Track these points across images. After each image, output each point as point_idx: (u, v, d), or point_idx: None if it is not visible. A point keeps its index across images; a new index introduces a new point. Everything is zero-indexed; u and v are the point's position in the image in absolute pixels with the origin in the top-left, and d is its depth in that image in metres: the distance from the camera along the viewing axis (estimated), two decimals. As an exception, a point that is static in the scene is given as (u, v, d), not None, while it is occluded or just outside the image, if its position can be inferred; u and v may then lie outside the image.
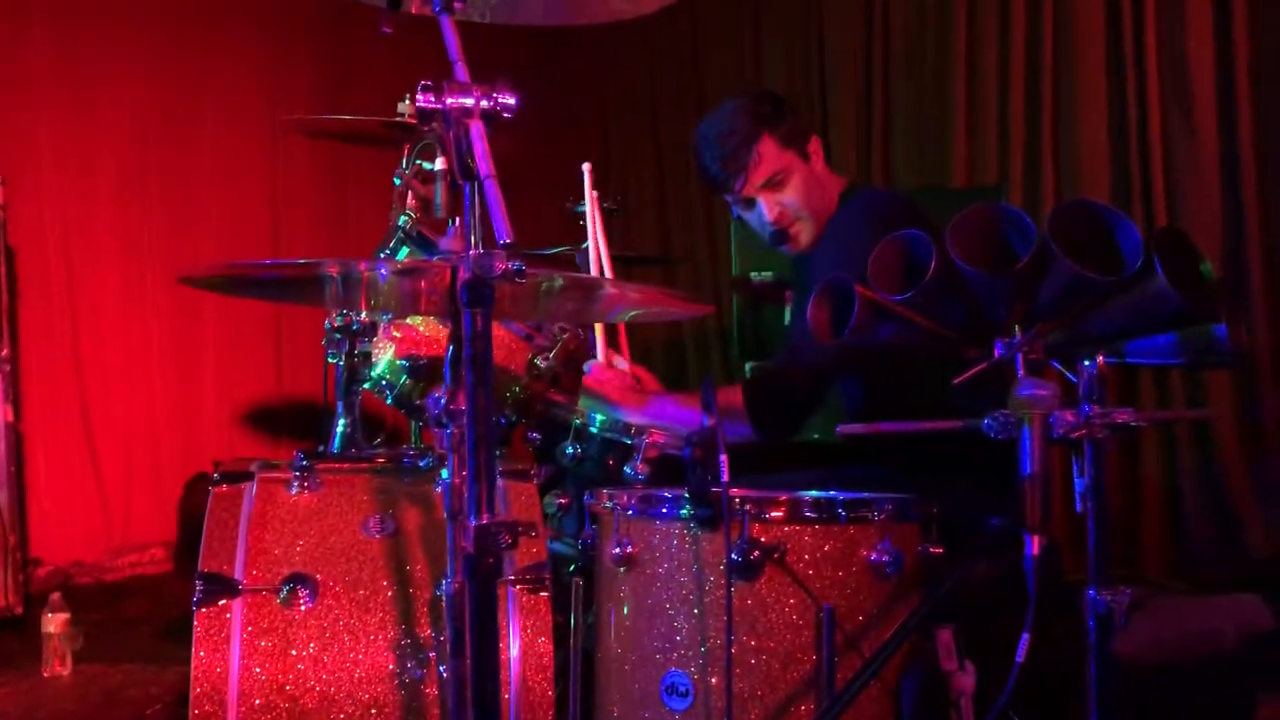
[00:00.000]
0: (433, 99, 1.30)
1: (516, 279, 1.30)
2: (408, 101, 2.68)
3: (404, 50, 4.70)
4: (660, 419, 2.22)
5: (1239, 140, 3.56)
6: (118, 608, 3.74)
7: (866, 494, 1.73)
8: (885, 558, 1.63)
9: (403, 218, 2.38)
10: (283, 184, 4.69)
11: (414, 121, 2.68)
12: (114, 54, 4.29)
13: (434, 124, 1.34)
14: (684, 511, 1.65)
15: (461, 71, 1.35)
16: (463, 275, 1.30)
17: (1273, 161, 3.53)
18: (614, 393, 2.30)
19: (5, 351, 3.38)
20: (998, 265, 1.45)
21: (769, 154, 2.27)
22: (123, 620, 3.58)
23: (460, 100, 1.31)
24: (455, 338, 1.58)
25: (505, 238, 1.24)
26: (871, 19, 4.43)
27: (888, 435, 1.67)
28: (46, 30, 4.14)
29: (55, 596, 3.09)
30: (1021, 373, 1.49)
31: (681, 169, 5.10)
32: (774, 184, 2.28)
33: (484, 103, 1.31)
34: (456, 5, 1.42)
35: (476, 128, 1.30)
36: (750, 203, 2.32)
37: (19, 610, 3.35)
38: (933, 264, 1.45)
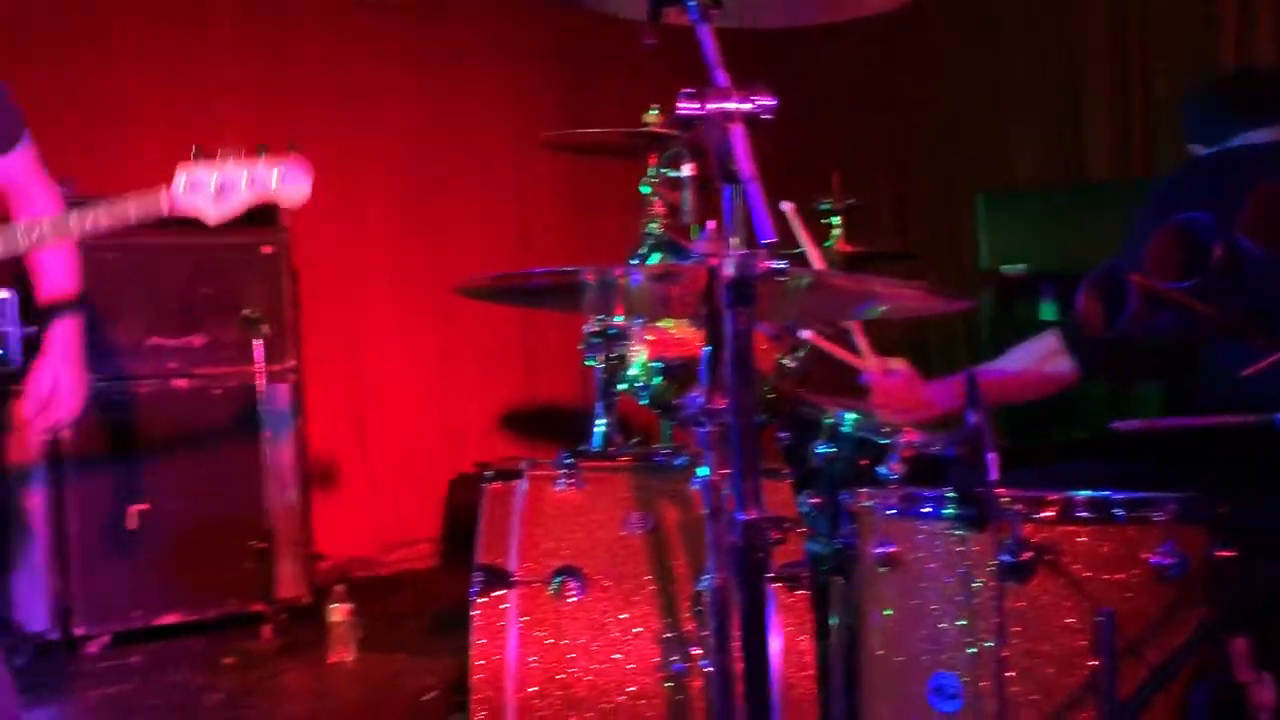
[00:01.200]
0: (695, 105, 1.34)
1: (779, 278, 1.32)
2: (654, 112, 2.74)
3: (640, 63, 4.85)
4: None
5: None
6: (390, 600, 4.00)
7: (1146, 493, 1.64)
8: (1168, 560, 1.54)
9: (652, 224, 2.44)
10: (530, 199, 4.91)
11: (660, 130, 2.77)
12: (382, 84, 4.61)
13: (686, 131, 1.38)
14: (948, 511, 1.62)
15: (721, 77, 1.37)
16: (726, 275, 1.33)
17: None
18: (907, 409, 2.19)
19: (292, 363, 3.70)
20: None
21: None
22: (395, 612, 3.83)
23: (721, 105, 1.34)
24: (713, 338, 1.62)
25: (768, 237, 1.26)
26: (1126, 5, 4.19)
27: (1170, 430, 1.59)
28: (321, 65, 4.49)
29: (339, 588, 3.35)
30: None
31: (919, 163, 4.98)
32: None
33: (744, 106, 1.33)
34: (713, 13, 1.45)
35: (737, 131, 1.33)
36: None
37: (307, 600, 3.64)
38: (1218, 250, 1.36)
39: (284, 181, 1.97)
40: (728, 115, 1.33)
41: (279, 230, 3.70)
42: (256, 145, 1.97)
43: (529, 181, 4.92)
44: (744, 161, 1.31)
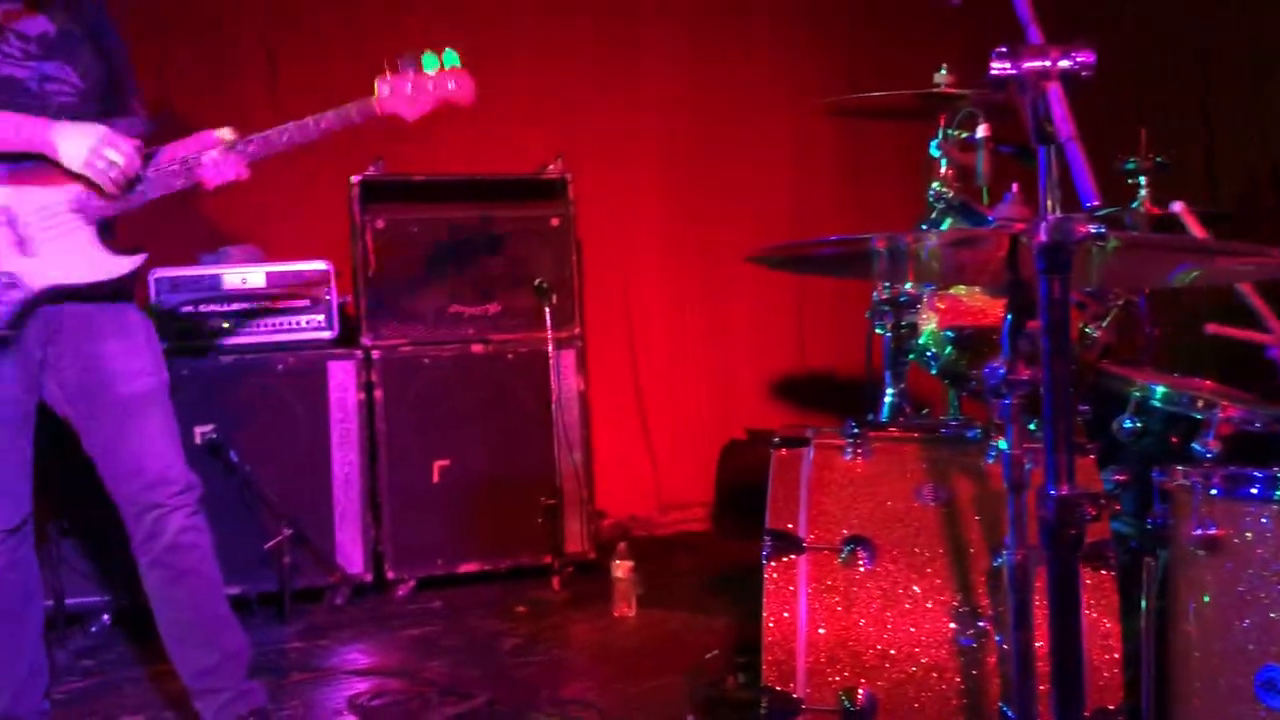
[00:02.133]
0: (1008, 64, 1.29)
1: (1098, 243, 1.26)
2: (944, 72, 2.65)
3: (916, 24, 4.69)
4: None
5: None
6: (667, 559, 4.11)
7: None
8: None
9: (938, 185, 2.37)
10: (805, 165, 4.88)
11: (950, 91, 2.68)
12: (655, 51, 4.70)
13: (999, 91, 1.33)
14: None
15: (1035, 34, 1.32)
16: (1040, 240, 1.28)
17: None
18: None
19: (578, 330, 3.86)
20: None
21: None
22: (672, 571, 3.94)
23: (1037, 63, 1.28)
24: (1015, 306, 1.56)
25: (1091, 200, 1.21)
26: None
27: None
28: (591, 30, 4.63)
29: (622, 546, 3.48)
30: None
31: (1228, 117, 4.57)
32: None
33: (1062, 64, 1.28)
34: (1026, -33, 1.39)
35: (1054, 90, 1.27)
36: None
37: (591, 555, 3.81)
38: None
39: (457, 86, 2.39)
40: (1044, 74, 1.28)
41: (566, 203, 3.86)
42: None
43: (804, 147, 4.88)
44: (1063, 122, 1.26)
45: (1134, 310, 2.24)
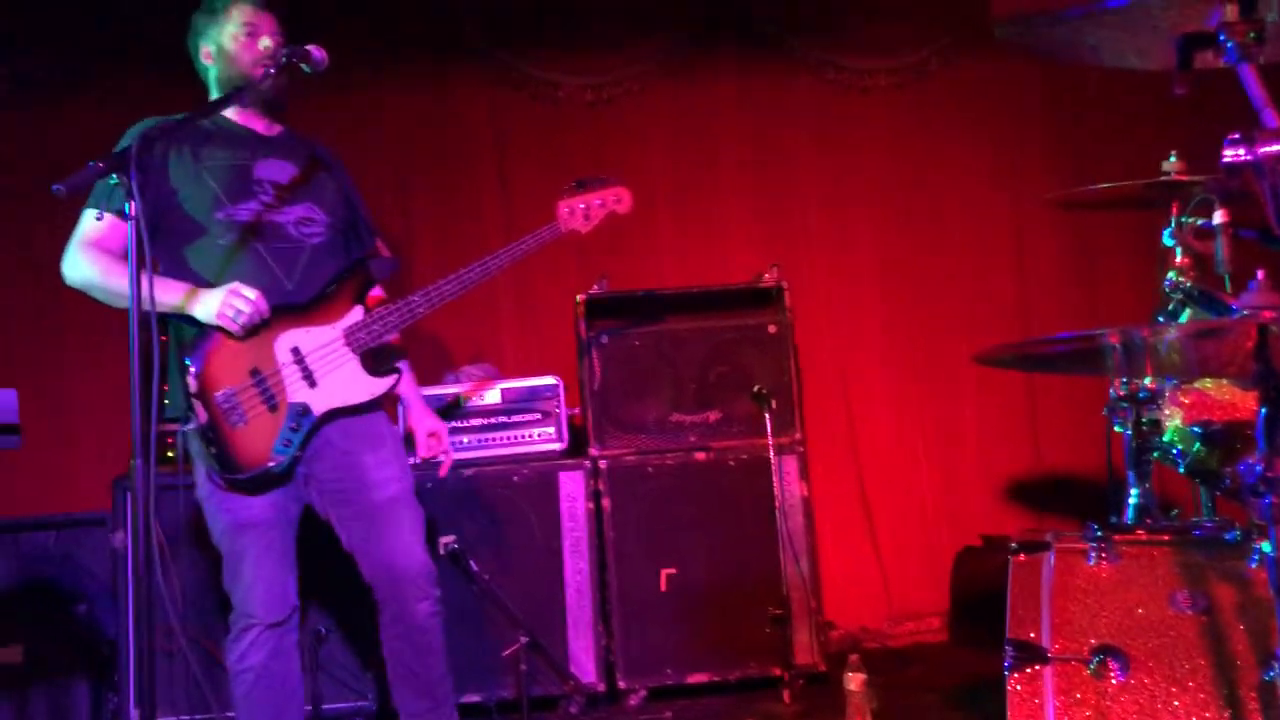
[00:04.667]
0: (1243, 150, 1.26)
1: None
2: (1174, 159, 2.57)
3: (1136, 112, 4.56)
4: None
5: None
6: (901, 672, 3.97)
7: None
8: None
9: (1174, 275, 2.28)
10: (1027, 262, 4.77)
11: (1182, 178, 2.58)
12: (870, 149, 4.75)
13: (1234, 177, 1.29)
14: None
15: (1271, 118, 1.28)
16: (1291, 331, 1.22)
17: None
18: None
19: (799, 435, 3.86)
20: None
21: None
22: (907, 685, 3.80)
23: (1273, 148, 1.24)
24: (1269, 398, 1.48)
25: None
26: None
27: None
28: (811, 152, 4.73)
29: (854, 658, 3.39)
30: None
31: None
32: None
33: (1303, 147, 1.23)
34: (1255, 51, 1.36)
35: (1295, 174, 1.23)
36: None
37: (821, 668, 3.73)
38: None
39: (619, 199, 2.95)
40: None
41: (782, 311, 3.91)
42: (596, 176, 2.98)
43: (1026, 243, 4.78)
44: (1303, 207, 1.21)
45: None
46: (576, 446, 3.82)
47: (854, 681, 3.33)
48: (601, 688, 3.63)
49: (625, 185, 2.96)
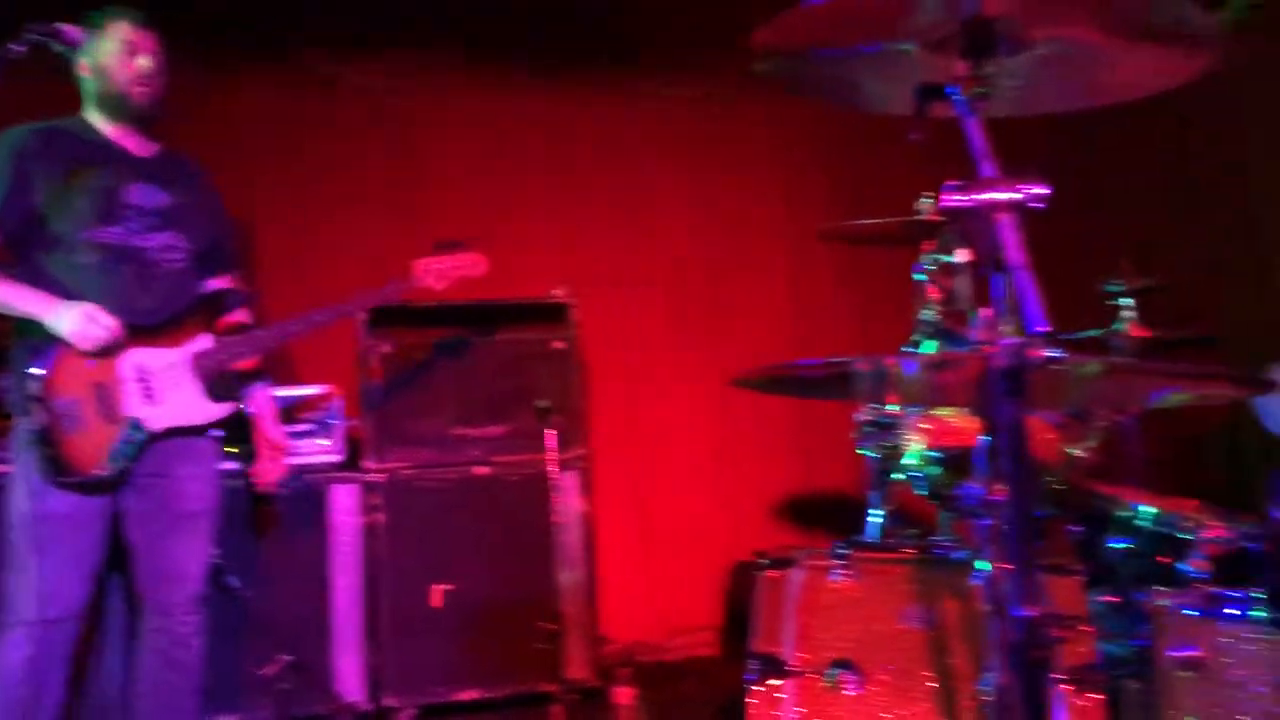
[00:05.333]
0: (959, 196, 1.35)
1: (1052, 366, 1.29)
2: (928, 200, 2.74)
3: (915, 151, 4.81)
4: None
5: None
6: (674, 685, 4.05)
7: None
8: None
9: (926, 311, 2.43)
10: (806, 289, 4.97)
11: (934, 218, 2.76)
12: (657, 183, 4.85)
13: (959, 220, 1.39)
14: (1259, 613, 1.50)
15: (988, 168, 1.38)
16: (998, 364, 1.32)
17: None
18: None
19: (581, 451, 3.89)
20: None
21: None
22: (679, 699, 3.88)
23: (988, 195, 1.34)
24: (990, 427, 1.59)
25: (1040, 327, 1.25)
26: None
27: None
28: (598, 169, 4.79)
29: (624, 672, 3.45)
30: None
31: (1228, 241, 4.65)
32: None
33: (1013, 195, 1.33)
34: (980, 105, 1.47)
35: (1006, 220, 1.33)
36: None
37: (594, 682, 3.76)
38: None
39: (474, 265, 3.28)
40: (995, 205, 1.34)
41: (569, 326, 3.94)
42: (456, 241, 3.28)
43: (805, 272, 4.98)
44: (1013, 250, 1.31)
45: (1120, 430, 2.26)
46: (354, 459, 3.73)
47: (624, 696, 3.38)
48: (368, 706, 3.55)
49: (482, 254, 3.27)
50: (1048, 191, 1.35)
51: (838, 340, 4.85)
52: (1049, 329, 1.25)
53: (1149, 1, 1.48)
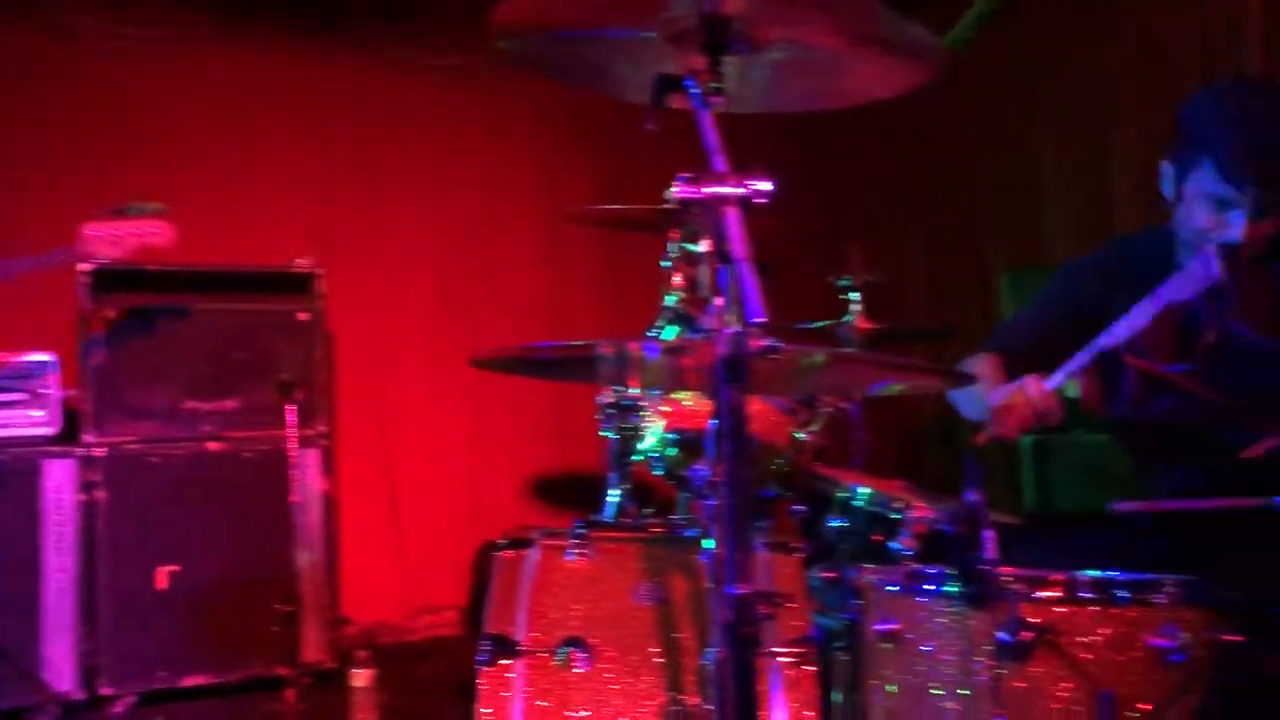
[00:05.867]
0: (691, 188, 1.39)
1: (770, 356, 1.35)
2: (674, 187, 2.80)
3: (678, 140, 4.92)
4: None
5: None
6: (417, 667, 4.01)
7: (1151, 574, 1.63)
8: (1171, 644, 1.53)
9: (671, 298, 2.49)
10: (562, 270, 5.00)
11: (679, 206, 2.82)
12: (415, 157, 4.74)
13: (690, 211, 1.43)
14: (950, 589, 1.62)
15: (719, 162, 1.42)
16: (719, 353, 1.37)
17: None
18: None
19: (324, 428, 3.76)
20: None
21: None
22: (421, 679, 3.84)
23: (716, 189, 1.39)
24: (716, 412, 1.65)
25: (758, 317, 1.30)
26: (1156, 89, 4.19)
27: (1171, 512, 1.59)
28: (352, 142, 4.64)
29: (362, 654, 3.36)
30: (1321, 446, 1.39)
31: (954, 243, 5.02)
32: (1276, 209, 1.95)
33: (739, 190, 1.38)
34: (715, 100, 1.51)
35: (732, 214, 1.38)
36: (1225, 206, 1.95)
37: (331, 665, 3.66)
38: (1209, 334, 1.38)
39: (157, 232, 3.04)
40: (722, 199, 1.38)
41: (314, 298, 3.79)
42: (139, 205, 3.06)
43: (565, 255, 5.00)
44: (737, 243, 1.36)
45: (845, 416, 2.39)
46: (72, 432, 3.46)
47: (360, 678, 3.30)
48: (81, 695, 3.32)
49: (168, 220, 3.07)
50: (772, 188, 1.40)
51: (596, 323, 4.90)
52: (766, 320, 1.30)
53: (878, 14, 1.56)
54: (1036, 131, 4.68)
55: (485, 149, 4.87)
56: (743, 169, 1.41)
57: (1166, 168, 2.07)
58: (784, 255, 3.92)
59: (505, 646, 1.88)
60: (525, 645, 1.88)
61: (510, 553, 2.04)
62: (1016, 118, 4.73)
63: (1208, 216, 1.93)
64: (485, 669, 1.86)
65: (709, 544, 1.54)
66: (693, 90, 1.51)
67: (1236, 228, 1.88)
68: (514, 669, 1.86)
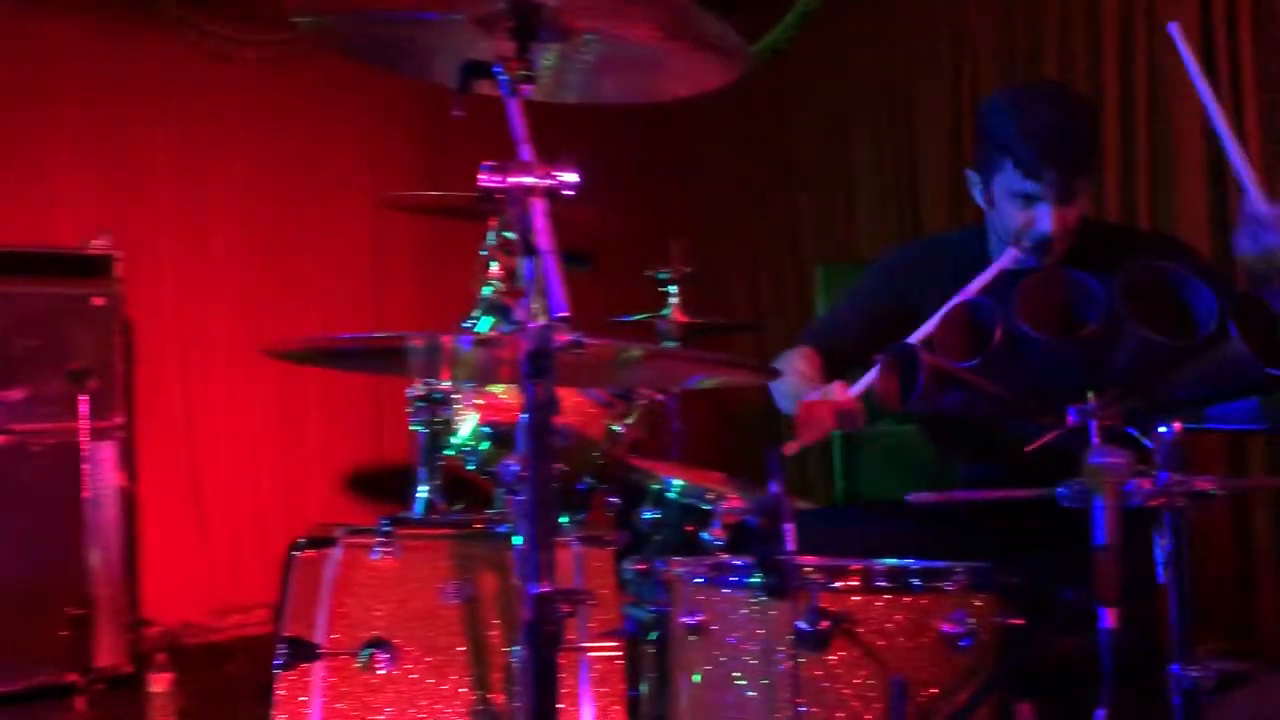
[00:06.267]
0: (496, 178, 1.36)
1: (574, 350, 1.33)
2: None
3: (500, 126, 4.85)
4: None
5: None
6: (222, 668, 3.84)
7: (941, 563, 1.69)
8: (959, 629, 1.59)
9: (487, 288, 2.44)
10: (385, 258, 4.87)
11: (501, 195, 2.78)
12: (229, 136, 4.53)
13: (490, 202, 1.40)
14: (753, 580, 1.64)
15: (526, 152, 1.40)
16: (525, 347, 1.34)
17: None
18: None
19: (120, 420, 3.55)
20: (1067, 330, 1.43)
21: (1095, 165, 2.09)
22: (226, 680, 3.68)
23: (522, 179, 1.36)
24: (531, 406, 1.62)
25: (561, 311, 1.28)
26: (960, 92, 4.39)
27: (963, 503, 1.65)
28: (162, 116, 4.39)
29: (160, 657, 3.20)
30: (1095, 440, 1.46)
31: (772, 235, 5.13)
32: (1076, 195, 2.04)
33: (545, 181, 1.36)
34: (524, 89, 1.48)
35: (538, 205, 1.35)
36: (1031, 200, 2.03)
37: (128, 669, 3.47)
38: (997, 331, 1.44)
39: None
40: (528, 190, 1.36)
41: (112, 282, 3.58)
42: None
43: (386, 243, 4.87)
44: (542, 235, 1.33)
45: (660, 408, 2.40)
46: None
47: (158, 682, 3.14)
48: None
49: None
50: (577, 179, 1.39)
51: (414, 314, 4.80)
52: (570, 314, 1.28)
53: (688, 8, 1.56)
54: (853, 128, 4.83)
55: (305, 134, 4.69)
56: (551, 159, 1.39)
57: (973, 175, 2.15)
58: (610, 247, 3.95)
59: (303, 649, 1.81)
60: (325, 648, 1.82)
61: (311, 552, 1.96)
62: (835, 114, 4.88)
63: (1017, 215, 2.02)
64: (283, 673, 1.79)
65: (517, 540, 1.52)
66: (501, 77, 1.47)
67: (1044, 219, 1.99)
68: (312, 672, 1.80)
